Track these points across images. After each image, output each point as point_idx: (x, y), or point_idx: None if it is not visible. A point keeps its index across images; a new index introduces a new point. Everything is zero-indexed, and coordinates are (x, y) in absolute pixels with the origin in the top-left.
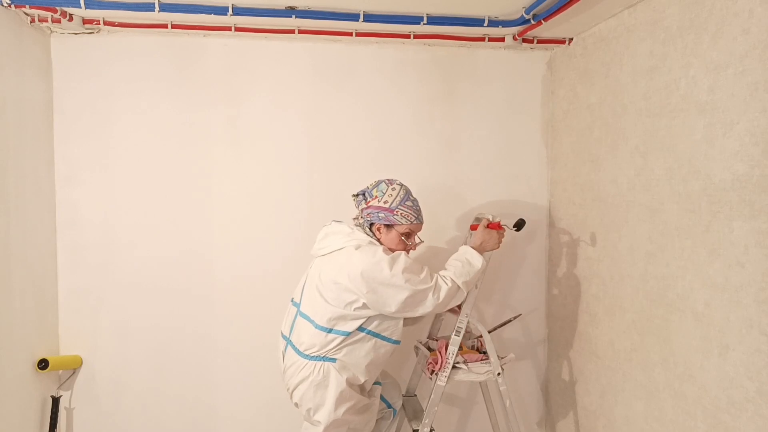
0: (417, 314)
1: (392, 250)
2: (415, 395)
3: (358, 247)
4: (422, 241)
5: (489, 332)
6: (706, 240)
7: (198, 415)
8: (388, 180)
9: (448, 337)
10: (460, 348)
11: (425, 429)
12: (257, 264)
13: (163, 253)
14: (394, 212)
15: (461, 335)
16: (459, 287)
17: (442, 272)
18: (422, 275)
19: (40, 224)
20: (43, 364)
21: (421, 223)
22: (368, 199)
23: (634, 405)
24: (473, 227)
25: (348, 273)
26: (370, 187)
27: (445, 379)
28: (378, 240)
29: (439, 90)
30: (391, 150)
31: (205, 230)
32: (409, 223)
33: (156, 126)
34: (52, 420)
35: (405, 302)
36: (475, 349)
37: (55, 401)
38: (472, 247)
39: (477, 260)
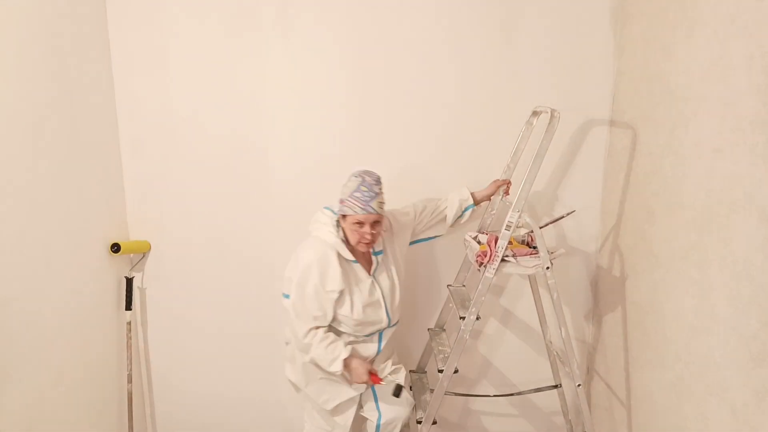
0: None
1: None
2: (464, 286)
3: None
4: (385, 231)
5: (540, 228)
6: None
7: (258, 291)
8: (354, 172)
9: (498, 232)
10: (510, 242)
11: (471, 316)
12: (309, 149)
13: (220, 141)
14: (344, 203)
15: (512, 230)
16: None
17: None
18: (304, 320)
19: (101, 114)
20: (115, 247)
21: (369, 213)
22: None
23: (686, 301)
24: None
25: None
26: None
27: (494, 272)
28: (343, 229)
29: None
30: (440, 37)
31: (259, 118)
32: (354, 213)
33: (209, 13)
34: (127, 297)
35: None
36: (525, 244)
37: (129, 281)
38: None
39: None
